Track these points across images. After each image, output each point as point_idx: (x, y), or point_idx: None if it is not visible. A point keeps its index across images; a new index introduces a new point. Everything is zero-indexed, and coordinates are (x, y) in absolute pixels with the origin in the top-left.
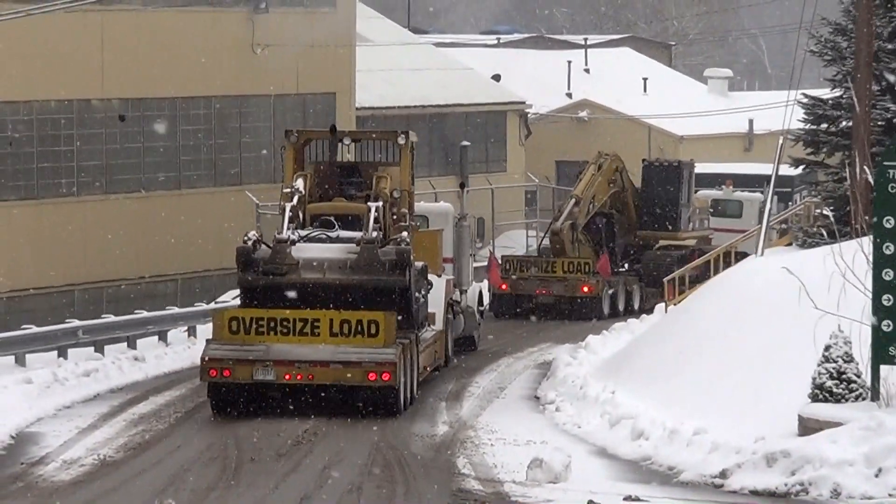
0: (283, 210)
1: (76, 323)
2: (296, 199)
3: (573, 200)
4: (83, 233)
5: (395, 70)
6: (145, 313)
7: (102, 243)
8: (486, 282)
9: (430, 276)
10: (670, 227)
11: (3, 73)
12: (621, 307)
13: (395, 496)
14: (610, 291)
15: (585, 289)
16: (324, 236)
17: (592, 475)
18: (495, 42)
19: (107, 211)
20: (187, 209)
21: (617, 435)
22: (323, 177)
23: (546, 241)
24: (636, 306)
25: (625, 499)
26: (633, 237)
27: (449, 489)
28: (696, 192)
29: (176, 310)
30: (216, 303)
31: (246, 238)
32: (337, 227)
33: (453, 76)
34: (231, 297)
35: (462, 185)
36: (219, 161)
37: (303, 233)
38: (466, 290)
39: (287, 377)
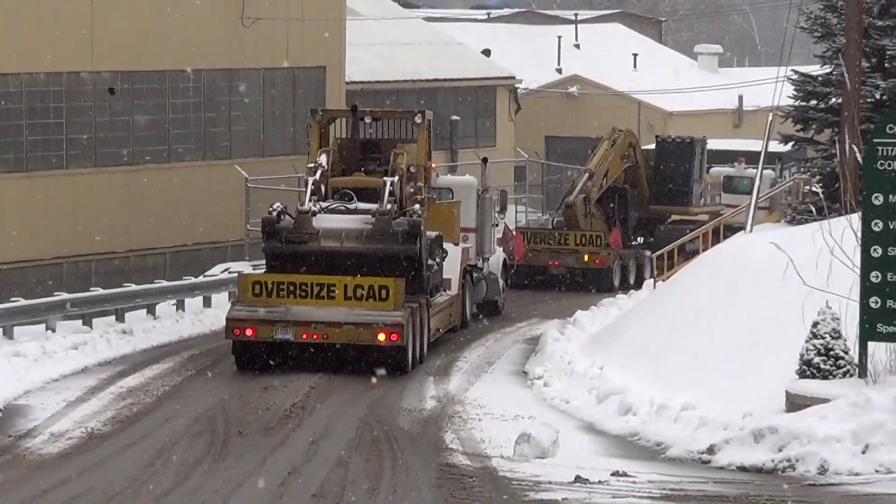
0: (307, 183)
1: (64, 296)
2: (318, 173)
3: (586, 174)
4: (72, 205)
5: (385, 44)
6: (134, 286)
7: (91, 216)
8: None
9: (447, 245)
10: (682, 202)
11: None
12: (632, 280)
13: (383, 470)
14: (621, 264)
15: (597, 261)
16: (342, 208)
17: (580, 451)
18: (485, 17)
19: (96, 184)
20: (176, 183)
21: (605, 410)
22: (345, 153)
23: (560, 215)
24: (647, 279)
25: (612, 474)
26: (646, 211)
27: (436, 464)
28: (708, 168)
29: (164, 283)
30: (205, 276)
31: (271, 209)
32: (355, 199)
33: (443, 51)
34: (220, 271)
35: (484, 160)
36: (208, 135)
37: (323, 204)
38: (489, 258)
39: (304, 337)
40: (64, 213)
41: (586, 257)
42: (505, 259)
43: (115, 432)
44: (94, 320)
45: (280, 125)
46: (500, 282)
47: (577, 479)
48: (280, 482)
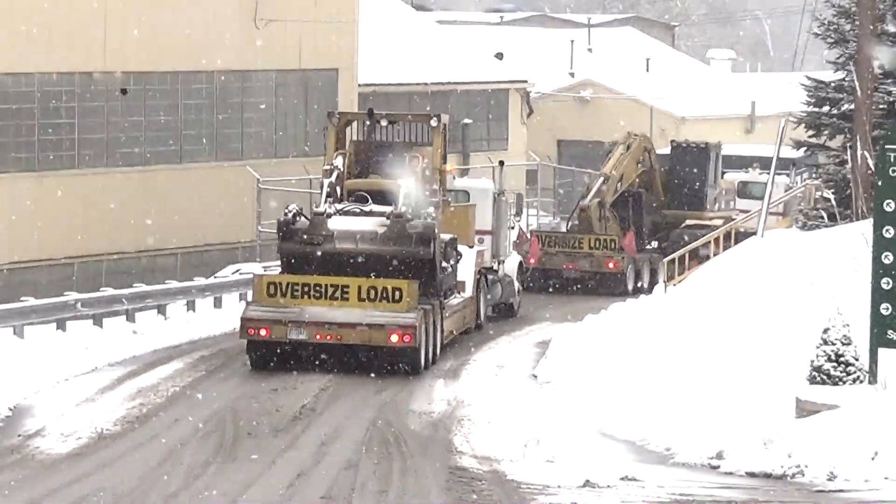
0: (322, 185)
1: (75, 296)
2: (334, 175)
3: (601, 178)
4: (84, 206)
5: (398, 47)
6: (144, 287)
7: (103, 216)
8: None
9: (461, 248)
10: (697, 207)
11: (4, 44)
12: (646, 284)
13: (392, 473)
14: (635, 268)
15: (611, 265)
16: (357, 210)
17: (589, 455)
18: (498, 20)
19: (107, 184)
20: (188, 183)
21: (614, 415)
22: (361, 155)
23: (575, 219)
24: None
25: (621, 478)
26: (660, 216)
27: (446, 467)
28: (723, 173)
29: (175, 284)
30: (216, 278)
31: (287, 210)
32: (370, 201)
33: (456, 54)
34: (231, 272)
35: (501, 163)
36: (220, 136)
37: (339, 206)
38: (504, 261)
39: (318, 337)
40: (75, 213)
41: (600, 261)
42: (521, 261)
43: (125, 432)
44: (104, 320)
45: (292, 127)
46: (517, 284)
47: (586, 482)
48: (289, 484)
